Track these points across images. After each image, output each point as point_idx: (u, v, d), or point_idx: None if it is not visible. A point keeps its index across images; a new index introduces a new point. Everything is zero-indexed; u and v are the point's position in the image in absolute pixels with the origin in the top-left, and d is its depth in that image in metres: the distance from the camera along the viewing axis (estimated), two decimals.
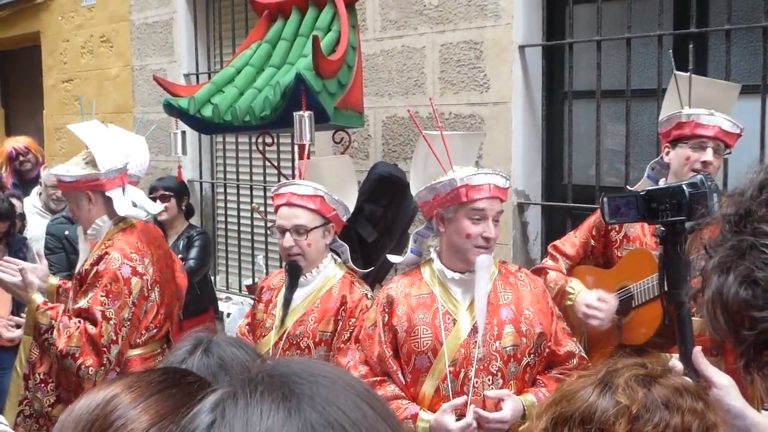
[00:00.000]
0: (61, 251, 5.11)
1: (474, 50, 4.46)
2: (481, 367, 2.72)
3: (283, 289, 3.25)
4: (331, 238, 3.26)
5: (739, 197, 1.10)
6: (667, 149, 3.16)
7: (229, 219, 6.31)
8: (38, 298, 3.42)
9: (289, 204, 3.20)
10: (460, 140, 3.00)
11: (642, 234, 3.18)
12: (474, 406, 2.67)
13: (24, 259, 5.02)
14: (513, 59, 4.30)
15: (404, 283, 2.90)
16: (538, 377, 2.84)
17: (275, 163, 4.96)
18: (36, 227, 5.42)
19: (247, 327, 3.42)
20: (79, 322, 3.35)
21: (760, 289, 1.03)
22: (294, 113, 3.77)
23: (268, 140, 4.56)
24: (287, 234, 3.17)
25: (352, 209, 3.40)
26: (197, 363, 1.59)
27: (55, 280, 3.67)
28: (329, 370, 0.89)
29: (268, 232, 3.68)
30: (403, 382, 2.81)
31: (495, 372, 2.73)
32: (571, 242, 3.39)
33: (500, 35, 4.33)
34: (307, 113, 3.77)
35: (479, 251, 2.76)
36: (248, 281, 5.86)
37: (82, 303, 3.36)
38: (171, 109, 4.22)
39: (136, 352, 3.52)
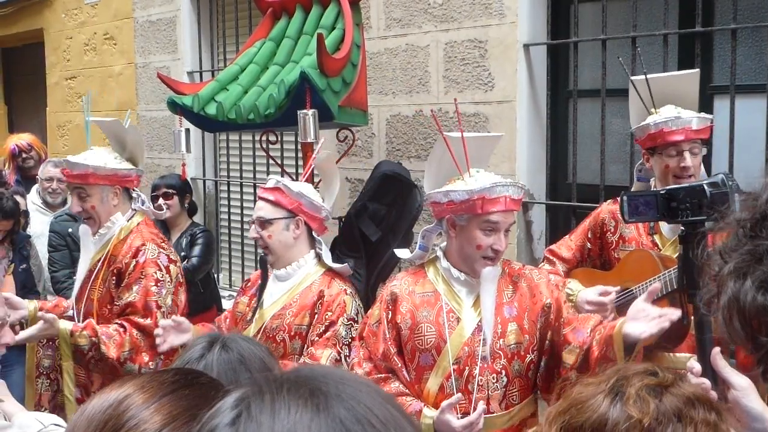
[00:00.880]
0: (65, 248, 5.11)
1: (478, 49, 4.45)
2: (485, 365, 2.72)
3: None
4: (302, 231, 3.25)
5: (753, 201, 1.09)
6: (646, 156, 3.17)
7: (232, 217, 6.30)
8: (67, 326, 3.40)
9: (258, 197, 3.31)
10: (476, 142, 2.99)
11: (638, 234, 3.18)
12: (483, 403, 2.67)
13: (27, 256, 5.04)
14: (517, 58, 4.29)
15: (408, 281, 2.90)
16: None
17: (279, 162, 4.96)
18: (37, 224, 5.43)
19: (226, 319, 3.45)
20: (121, 326, 3.37)
21: None
22: (298, 111, 3.77)
23: (272, 138, 4.55)
24: (253, 225, 3.28)
25: (330, 203, 3.39)
26: (217, 359, 1.59)
27: (32, 306, 3.52)
28: (351, 375, 0.88)
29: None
30: (408, 379, 2.81)
31: (499, 370, 2.74)
32: (567, 246, 3.39)
33: (505, 34, 4.32)
34: (311, 111, 3.76)
35: (486, 263, 2.77)
36: None
37: (130, 297, 3.40)
38: (175, 107, 4.22)
39: None
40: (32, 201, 5.72)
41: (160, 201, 4.96)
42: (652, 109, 3.12)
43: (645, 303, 2.59)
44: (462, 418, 2.65)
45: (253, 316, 3.26)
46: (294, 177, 4.93)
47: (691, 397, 1.39)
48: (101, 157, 3.58)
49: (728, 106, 3.63)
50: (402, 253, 3.13)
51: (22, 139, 6.58)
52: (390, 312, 2.86)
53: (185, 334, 3.22)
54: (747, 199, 1.10)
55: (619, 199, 3.25)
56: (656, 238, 3.15)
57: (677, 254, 2.99)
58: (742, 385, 1.66)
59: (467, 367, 2.72)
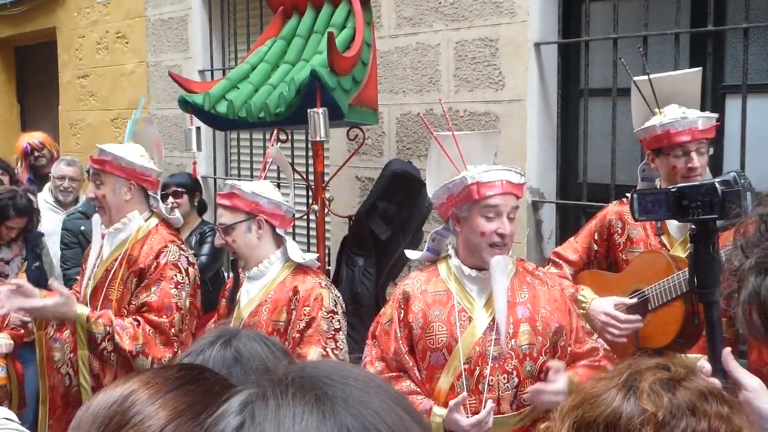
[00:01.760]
0: (77, 246, 5.13)
1: (489, 48, 4.44)
2: (497, 365, 2.71)
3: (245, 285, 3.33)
4: (265, 231, 3.25)
5: None
6: (651, 156, 3.15)
7: None
8: (84, 311, 3.38)
9: (217, 204, 3.33)
10: (474, 139, 2.99)
11: (645, 236, 3.16)
12: (492, 402, 2.67)
13: (40, 254, 5.06)
14: (528, 57, 4.28)
15: (420, 280, 2.90)
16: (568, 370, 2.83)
17: (289, 160, 4.96)
18: (49, 222, 5.45)
19: (213, 324, 3.47)
20: (135, 320, 3.38)
21: None
22: (308, 110, 3.77)
23: (283, 137, 4.56)
24: (217, 233, 3.30)
25: (290, 199, 3.40)
26: (214, 354, 1.60)
27: (84, 310, 3.45)
28: (359, 372, 0.86)
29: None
30: (419, 378, 2.81)
31: (510, 370, 2.72)
32: (572, 248, 3.37)
33: (516, 33, 4.31)
34: (321, 110, 3.77)
35: (494, 250, 2.74)
36: None
37: (148, 297, 3.41)
38: (186, 106, 4.23)
39: None
40: (44, 199, 5.74)
41: (170, 200, 4.97)
42: (656, 110, 3.10)
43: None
44: (472, 417, 2.65)
45: (229, 315, 3.28)
46: (304, 176, 4.94)
47: (704, 390, 1.39)
48: (126, 150, 3.57)
49: (740, 106, 3.61)
50: (411, 254, 3.13)
51: (35, 137, 6.60)
52: (402, 311, 2.86)
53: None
54: None
55: (625, 199, 3.26)
56: (664, 238, 3.13)
57: (688, 253, 2.99)
58: (753, 386, 1.64)
59: (478, 367, 2.71)
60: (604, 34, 4.11)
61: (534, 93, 4.31)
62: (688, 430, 1.32)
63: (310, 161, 4.83)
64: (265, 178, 3.44)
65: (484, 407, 2.66)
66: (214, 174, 6.53)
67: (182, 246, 3.60)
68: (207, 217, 5.52)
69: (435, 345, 2.76)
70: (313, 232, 4.75)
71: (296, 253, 3.29)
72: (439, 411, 2.68)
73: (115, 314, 3.48)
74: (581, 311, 3.04)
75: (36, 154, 6.47)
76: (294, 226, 4.69)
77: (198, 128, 4.35)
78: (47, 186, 5.91)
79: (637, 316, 2.99)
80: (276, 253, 3.27)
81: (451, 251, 2.92)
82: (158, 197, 3.73)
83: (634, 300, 3.03)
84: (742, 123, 3.59)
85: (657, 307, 2.96)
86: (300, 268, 3.25)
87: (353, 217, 4.45)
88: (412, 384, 2.81)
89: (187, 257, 3.56)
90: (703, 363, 1.90)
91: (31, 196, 5.04)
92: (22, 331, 4.13)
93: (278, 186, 3.72)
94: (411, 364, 2.82)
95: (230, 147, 6.55)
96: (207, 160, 6.46)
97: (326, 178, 4.33)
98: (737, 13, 3.73)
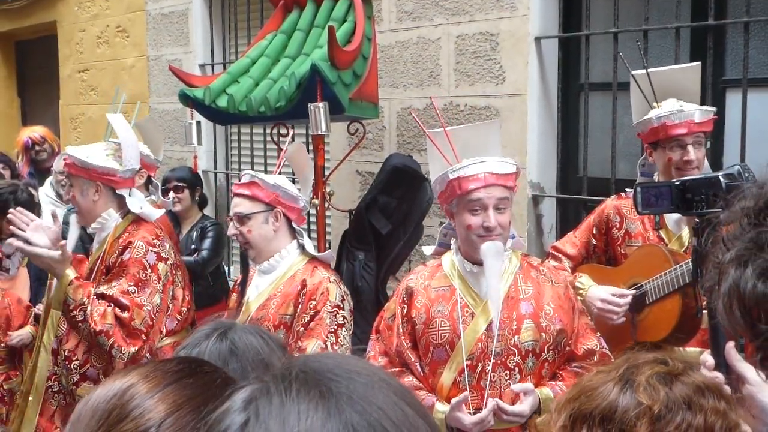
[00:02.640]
0: (78, 241, 5.13)
1: (490, 42, 4.44)
2: (499, 361, 2.70)
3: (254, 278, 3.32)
4: (281, 223, 3.24)
5: (759, 190, 1.08)
6: (649, 150, 3.15)
7: None
8: (71, 273, 3.38)
9: (233, 193, 3.29)
10: (469, 132, 2.96)
11: (644, 230, 3.16)
12: (494, 399, 2.66)
13: None
14: (529, 51, 4.28)
15: (424, 275, 2.89)
16: (557, 371, 2.82)
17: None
18: (49, 217, 5.44)
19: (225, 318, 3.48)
20: (109, 304, 3.37)
21: None
22: (309, 104, 3.77)
23: (283, 131, 4.56)
24: (231, 223, 3.25)
25: (306, 194, 3.40)
26: (210, 347, 1.60)
27: (71, 273, 3.51)
28: (363, 366, 0.85)
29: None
30: (421, 374, 2.81)
31: (512, 367, 2.71)
32: (571, 242, 3.37)
33: (516, 27, 4.31)
34: (321, 104, 3.76)
35: (483, 240, 2.72)
36: None
37: (105, 289, 3.39)
38: (186, 100, 4.23)
39: (170, 339, 3.56)
40: (46, 193, 5.75)
41: (171, 194, 4.97)
42: (654, 103, 3.10)
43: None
44: (474, 413, 2.65)
45: (239, 309, 3.27)
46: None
47: (701, 385, 1.39)
48: (89, 151, 3.57)
49: (740, 100, 3.61)
50: (427, 249, 3.12)
51: (36, 131, 6.61)
52: (405, 306, 2.85)
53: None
54: (752, 188, 1.10)
55: (623, 194, 3.26)
56: (662, 233, 3.13)
57: (686, 247, 2.99)
58: (756, 380, 1.64)
59: (480, 364, 2.70)
60: (604, 28, 4.11)
61: (534, 87, 4.30)
62: (684, 424, 1.32)
63: (311, 155, 4.82)
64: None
65: (485, 405, 2.66)
66: (215, 168, 6.53)
67: (154, 240, 3.50)
68: (208, 211, 5.52)
69: (438, 341, 2.76)
70: (313, 227, 4.75)
71: (311, 247, 3.31)
72: (442, 407, 2.69)
73: None
74: (578, 298, 3.05)
75: (37, 148, 6.47)
76: None
77: (198, 122, 4.34)
78: (48, 180, 5.92)
79: (628, 299, 3.00)
80: (287, 248, 3.26)
81: (453, 247, 2.92)
82: (158, 187, 3.72)
83: (633, 291, 3.04)
84: (743, 117, 3.59)
85: (655, 301, 2.96)
86: (310, 263, 3.24)
87: (353, 212, 4.45)
88: (414, 380, 2.81)
89: (157, 252, 3.48)
90: (706, 357, 1.90)
91: (32, 191, 5.04)
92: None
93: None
94: (413, 359, 2.82)
95: (231, 141, 6.55)
96: (207, 154, 6.46)
97: (327, 173, 4.33)
98: (738, 7, 3.72)
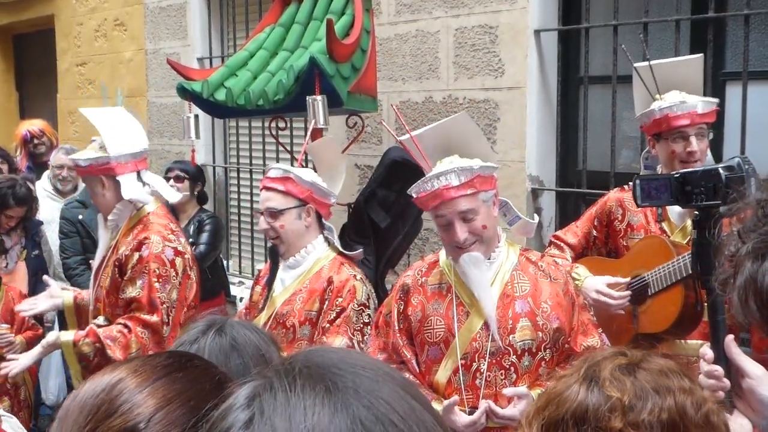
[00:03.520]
0: (76, 235, 5.13)
1: (489, 34, 4.42)
2: (494, 361, 2.67)
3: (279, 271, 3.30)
4: (312, 219, 3.24)
5: None
6: (652, 142, 3.14)
7: (242, 203, 6.31)
8: (68, 337, 3.42)
9: (264, 187, 3.27)
10: (435, 133, 2.86)
11: (646, 222, 3.15)
12: (487, 401, 2.63)
13: (39, 243, 5.06)
14: (528, 44, 4.26)
15: (421, 271, 2.87)
16: (556, 369, 2.78)
17: (288, 148, 4.95)
18: (47, 210, 5.44)
19: (245, 310, 3.46)
20: (125, 326, 3.36)
21: None
22: (307, 97, 3.75)
23: (282, 124, 4.55)
24: (262, 217, 3.23)
25: (337, 190, 3.37)
26: (210, 343, 1.59)
27: (69, 297, 3.64)
28: (366, 360, 0.84)
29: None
30: (417, 371, 2.79)
31: (507, 366, 2.68)
32: (573, 232, 3.36)
33: (515, 19, 4.29)
34: (320, 97, 3.75)
35: (459, 253, 2.69)
36: (261, 266, 5.86)
37: (134, 292, 3.38)
38: (184, 93, 4.22)
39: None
40: (43, 187, 5.74)
41: (171, 182, 4.95)
42: (657, 95, 3.09)
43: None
44: (470, 412, 2.63)
45: (264, 303, 3.26)
46: (304, 164, 4.92)
47: (664, 369, 1.39)
48: (84, 152, 3.62)
49: (740, 93, 3.60)
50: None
51: (34, 125, 6.59)
52: (402, 303, 2.84)
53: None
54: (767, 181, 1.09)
55: (626, 186, 3.25)
56: (665, 225, 3.12)
57: (688, 239, 2.98)
58: (756, 373, 1.63)
59: (475, 363, 2.67)
60: (604, 21, 4.09)
61: (534, 80, 4.29)
62: (656, 409, 1.32)
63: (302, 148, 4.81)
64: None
65: (481, 403, 2.65)
66: (213, 162, 6.52)
67: (170, 236, 3.49)
68: (207, 205, 5.51)
69: (432, 339, 2.74)
70: None
71: (339, 243, 3.30)
72: (437, 406, 2.66)
73: (105, 299, 3.50)
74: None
75: (35, 141, 6.46)
76: None
77: (196, 116, 4.33)
78: (46, 174, 5.91)
79: (627, 292, 2.99)
80: (313, 243, 3.25)
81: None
82: (132, 179, 3.67)
83: (627, 279, 3.03)
84: (743, 110, 3.58)
85: (657, 293, 2.95)
86: (336, 259, 3.23)
87: (352, 205, 4.44)
88: (410, 376, 2.79)
89: (174, 248, 3.47)
90: (706, 350, 1.89)
91: (30, 185, 5.03)
92: (40, 330, 4.20)
93: None
94: (409, 356, 2.80)
95: (229, 135, 6.54)
96: (206, 148, 6.44)
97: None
98: (738, 0, 3.71)
